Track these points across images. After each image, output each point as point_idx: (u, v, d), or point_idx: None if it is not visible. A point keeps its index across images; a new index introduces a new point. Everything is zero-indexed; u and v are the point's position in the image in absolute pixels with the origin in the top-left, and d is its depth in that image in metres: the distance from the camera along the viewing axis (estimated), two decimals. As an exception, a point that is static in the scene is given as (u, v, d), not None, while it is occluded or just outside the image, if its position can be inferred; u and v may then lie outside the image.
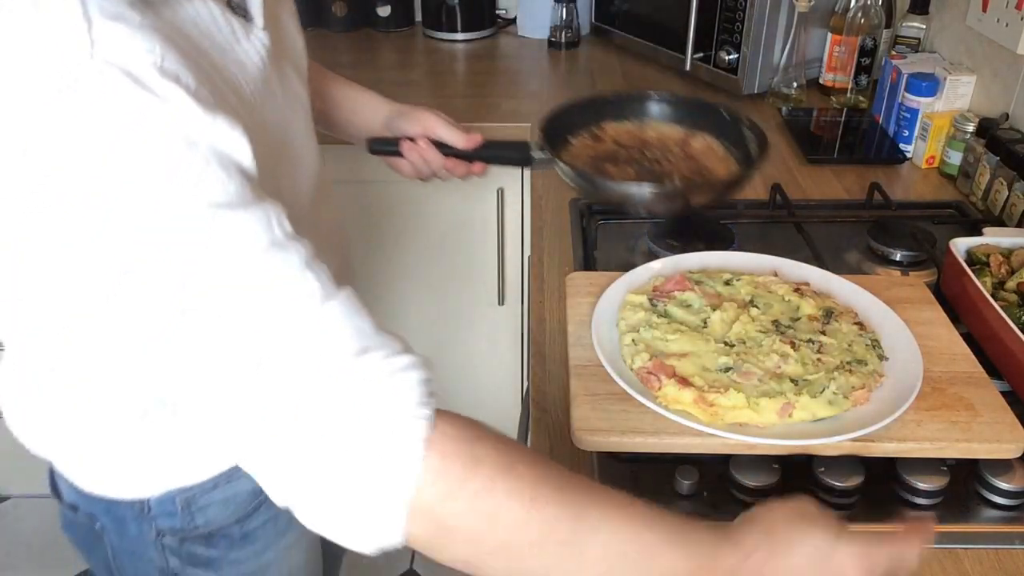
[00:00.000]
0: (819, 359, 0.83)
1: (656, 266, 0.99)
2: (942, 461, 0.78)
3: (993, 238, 1.03)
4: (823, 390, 0.79)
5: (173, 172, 0.51)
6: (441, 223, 1.68)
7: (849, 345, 0.85)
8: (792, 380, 0.80)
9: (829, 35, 1.65)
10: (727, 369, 0.81)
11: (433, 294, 1.77)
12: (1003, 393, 0.81)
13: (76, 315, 0.54)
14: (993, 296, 0.91)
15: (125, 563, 0.89)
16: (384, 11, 2.01)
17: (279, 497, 0.54)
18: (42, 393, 0.80)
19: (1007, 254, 1.00)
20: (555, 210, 1.28)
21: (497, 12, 2.06)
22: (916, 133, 1.42)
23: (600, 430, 0.76)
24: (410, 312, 1.80)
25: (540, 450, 0.85)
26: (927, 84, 1.40)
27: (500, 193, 1.60)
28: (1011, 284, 0.95)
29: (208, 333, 0.51)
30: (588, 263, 1.15)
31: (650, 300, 0.91)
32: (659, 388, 0.79)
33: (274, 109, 0.71)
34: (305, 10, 0.96)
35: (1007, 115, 1.34)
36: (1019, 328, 0.85)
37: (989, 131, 1.28)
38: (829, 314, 0.89)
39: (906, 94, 1.42)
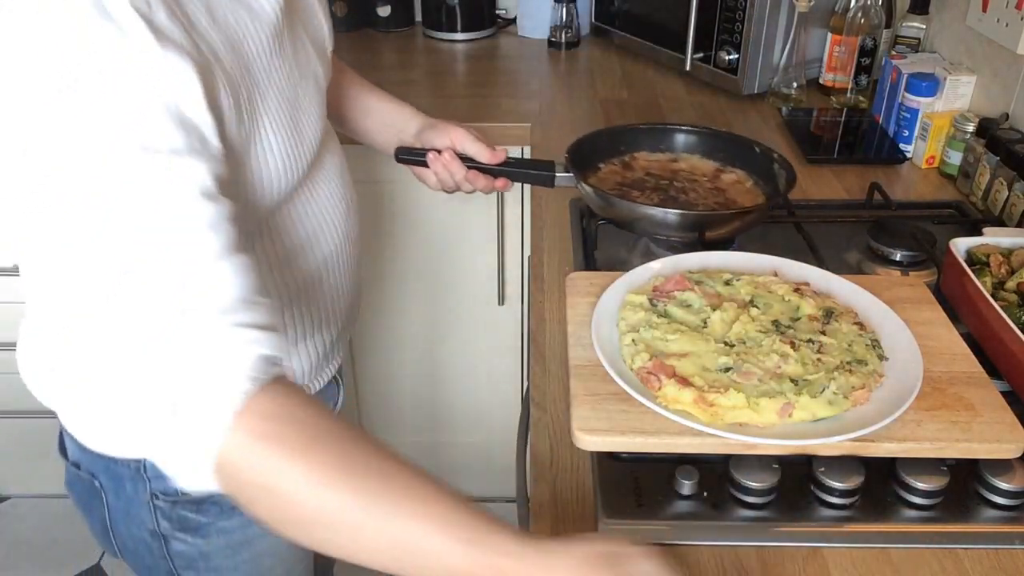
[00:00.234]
0: (819, 359, 0.83)
1: (656, 266, 0.99)
2: (942, 461, 0.78)
3: (993, 238, 1.03)
4: (823, 390, 0.79)
5: (111, 108, 0.55)
6: (441, 223, 1.68)
7: (849, 345, 0.85)
8: (792, 380, 0.80)
9: (829, 35, 1.65)
10: (727, 369, 0.81)
11: (433, 294, 1.77)
12: (1003, 393, 0.81)
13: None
14: (993, 296, 0.91)
15: (119, 523, 0.91)
16: (384, 11, 2.01)
17: (123, 417, 0.60)
18: (50, 345, 0.82)
19: (1007, 254, 1.00)
20: (555, 210, 1.28)
21: (497, 12, 2.06)
22: (916, 133, 1.42)
23: (600, 430, 0.76)
24: (410, 312, 1.80)
25: (540, 450, 0.85)
26: (927, 84, 1.40)
27: (500, 193, 1.60)
28: (1011, 284, 0.95)
29: (107, 258, 0.56)
30: (588, 263, 1.15)
31: (650, 300, 0.91)
32: (659, 388, 0.79)
33: (281, 69, 0.74)
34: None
35: (1007, 115, 1.34)
36: (1019, 328, 0.85)
37: (989, 131, 1.28)
38: (829, 314, 0.89)
39: (906, 94, 1.42)
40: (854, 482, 0.76)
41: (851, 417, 0.77)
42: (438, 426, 1.96)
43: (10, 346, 1.85)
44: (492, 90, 1.75)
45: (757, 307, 0.90)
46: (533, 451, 0.86)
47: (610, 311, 0.91)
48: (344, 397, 1.09)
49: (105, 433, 0.86)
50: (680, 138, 1.25)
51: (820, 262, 1.08)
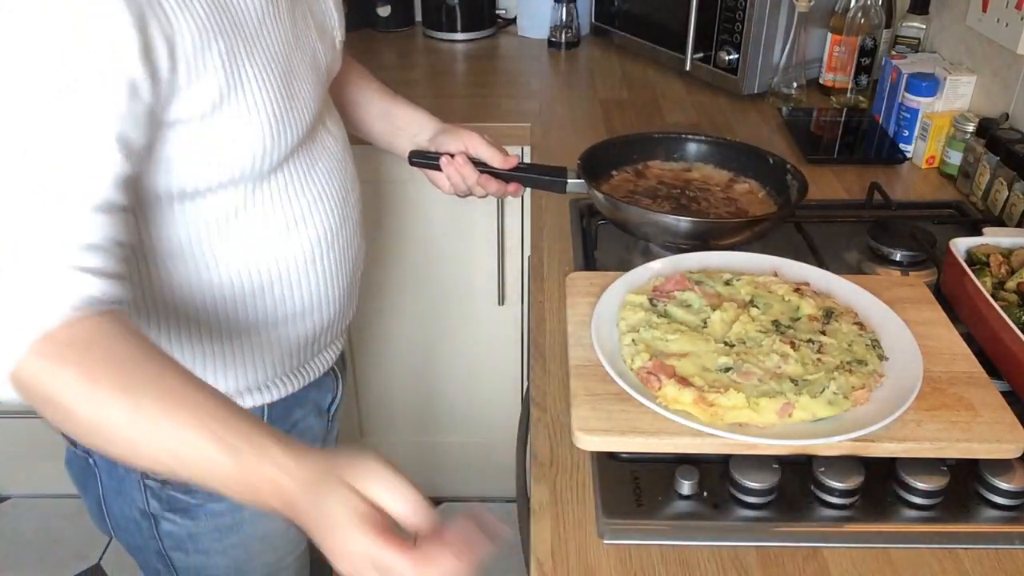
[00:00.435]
0: (819, 359, 0.83)
1: (656, 266, 0.99)
2: (942, 461, 0.78)
3: (993, 238, 1.03)
4: (823, 390, 0.79)
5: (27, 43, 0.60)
6: (442, 223, 1.68)
7: (849, 345, 0.85)
8: (792, 380, 0.80)
9: (829, 35, 1.65)
10: (727, 369, 0.81)
11: (433, 294, 1.77)
12: (1003, 393, 0.82)
13: None
14: (993, 296, 0.91)
15: (112, 501, 0.93)
16: (384, 11, 2.01)
17: None
18: None
19: (1007, 254, 1.00)
20: (555, 210, 1.28)
21: (497, 12, 2.06)
22: (916, 133, 1.42)
23: (600, 430, 0.76)
24: (410, 312, 1.80)
25: (540, 450, 0.85)
26: (927, 84, 1.40)
27: (501, 193, 1.60)
28: (1011, 284, 0.95)
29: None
30: (588, 263, 1.15)
31: (650, 300, 0.91)
32: (659, 388, 0.79)
33: (275, 32, 0.76)
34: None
35: (1007, 115, 1.34)
36: (1019, 328, 0.85)
37: (989, 131, 1.28)
38: (829, 314, 0.89)
39: (906, 94, 1.42)
40: (854, 482, 0.76)
41: (851, 417, 0.77)
42: (438, 426, 1.96)
43: (10, 346, 1.84)
44: (492, 90, 1.75)
45: (757, 307, 0.90)
46: (533, 451, 0.86)
47: (610, 311, 0.91)
48: (343, 392, 1.10)
49: None
50: (694, 147, 1.25)
51: (820, 262, 1.08)
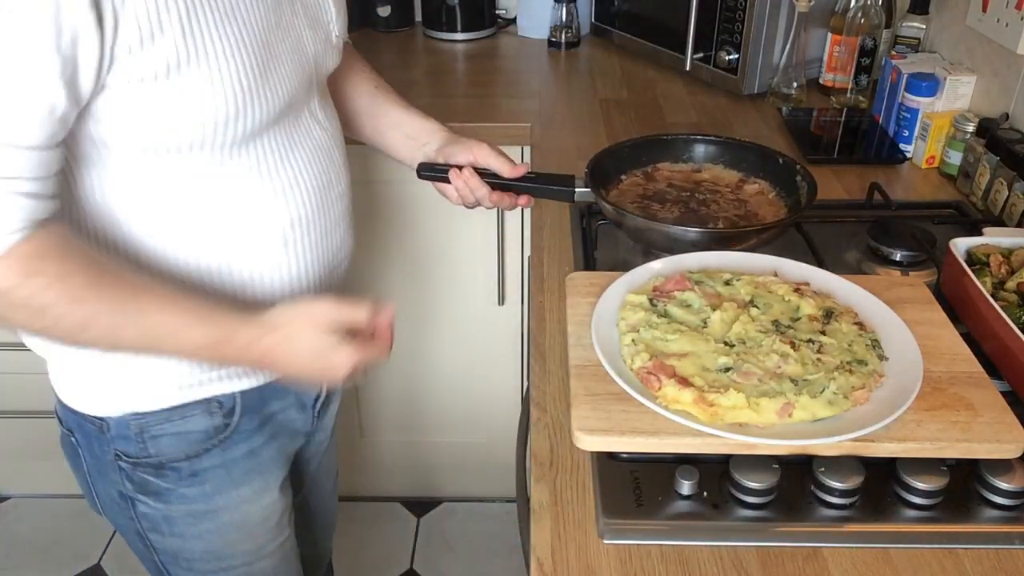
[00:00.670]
0: (819, 359, 0.83)
1: (656, 266, 0.99)
2: (942, 461, 0.78)
3: (993, 238, 1.03)
4: (823, 390, 0.79)
5: None
6: (441, 223, 1.68)
7: (849, 345, 0.85)
8: (792, 380, 0.80)
9: (829, 35, 1.65)
10: (727, 369, 0.81)
11: (434, 294, 1.77)
12: (1003, 393, 0.82)
13: None
14: (993, 296, 0.91)
15: (96, 480, 0.95)
16: (384, 11, 2.01)
17: None
18: None
19: (1007, 254, 1.00)
20: (555, 210, 1.28)
21: (497, 12, 2.06)
22: (916, 133, 1.42)
23: (600, 430, 0.76)
24: (410, 312, 1.80)
25: (540, 450, 0.85)
26: (927, 84, 1.40)
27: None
28: (1011, 284, 0.95)
29: None
30: (588, 263, 1.15)
31: (650, 300, 0.91)
32: (659, 388, 0.79)
33: (252, 8, 0.77)
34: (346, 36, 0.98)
35: (1007, 115, 1.34)
36: (1019, 328, 0.85)
37: (989, 131, 1.28)
38: (829, 314, 0.89)
39: (906, 94, 1.42)
40: (854, 482, 0.76)
41: (851, 417, 0.77)
42: (438, 426, 1.96)
43: (10, 347, 1.85)
44: (492, 90, 1.75)
45: (757, 307, 0.90)
46: (533, 451, 0.86)
47: (610, 311, 0.91)
48: (332, 394, 1.09)
49: (75, 386, 0.90)
50: (703, 149, 1.25)
51: (820, 262, 1.08)
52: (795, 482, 0.78)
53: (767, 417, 0.76)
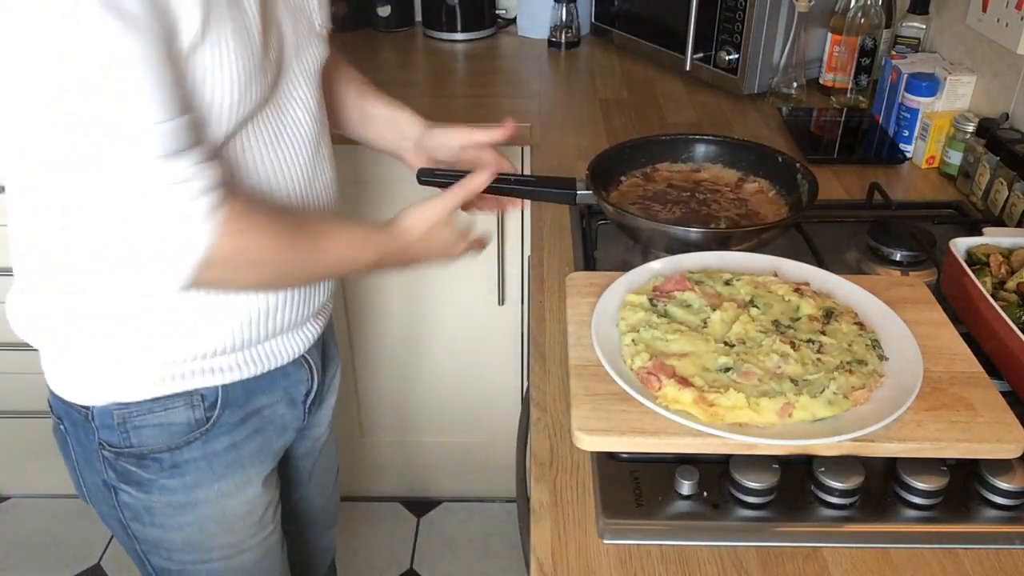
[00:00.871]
0: (819, 359, 0.83)
1: (656, 266, 0.99)
2: (942, 461, 0.78)
3: (993, 238, 1.03)
4: (823, 390, 0.79)
5: None
6: (441, 223, 1.68)
7: (849, 345, 0.85)
8: (792, 380, 0.80)
9: (829, 35, 1.65)
10: (727, 369, 0.81)
11: (433, 294, 1.77)
12: (1003, 393, 0.82)
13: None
14: (993, 296, 0.91)
15: (83, 469, 0.96)
16: (384, 11, 2.01)
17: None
18: (24, 276, 0.87)
19: (1007, 254, 1.00)
20: (555, 210, 1.28)
21: (497, 12, 2.06)
22: (916, 133, 1.42)
23: (600, 430, 0.76)
24: (410, 312, 1.80)
25: (540, 450, 0.85)
26: (927, 84, 1.40)
27: (500, 193, 1.60)
28: (1011, 284, 0.95)
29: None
30: (588, 263, 1.15)
31: (650, 300, 0.91)
32: (659, 388, 0.79)
33: None
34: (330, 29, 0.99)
35: (1007, 115, 1.34)
36: (1019, 328, 0.85)
37: (989, 131, 1.28)
38: (829, 314, 0.89)
39: (906, 94, 1.42)
40: (854, 482, 0.76)
41: (851, 417, 0.77)
42: (438, 426, 1.96)
43: (10, 347, 1.85)
44: (492, 90, 1.75)
45: (757, 307, 0.90)
46: (533, 451, 0.86)
47: (610, 311, 0.91)
48: (320, 385, 1.07)
49: (62, 374, 0.91)
50: (702, 148, 1.25)
51: (820, 262, 1.08)
52: (795, 482, 0.78)
53: (767, 417, 0.76)
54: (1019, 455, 0.76)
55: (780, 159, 1.19)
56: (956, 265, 0.97)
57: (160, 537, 0.98)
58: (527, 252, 1.68)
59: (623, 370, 0.82)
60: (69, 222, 0.74)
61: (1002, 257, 0.99)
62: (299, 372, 1.01)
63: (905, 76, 1.42)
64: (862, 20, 1.58)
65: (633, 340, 0.85)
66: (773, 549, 0.74)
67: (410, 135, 1.11)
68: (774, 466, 0.77)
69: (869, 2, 1.57)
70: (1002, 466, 0.78)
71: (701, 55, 1.70)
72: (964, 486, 0.79)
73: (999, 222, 1.21)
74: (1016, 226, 1.17)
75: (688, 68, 1.70)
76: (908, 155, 1.44)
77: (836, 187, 1.36)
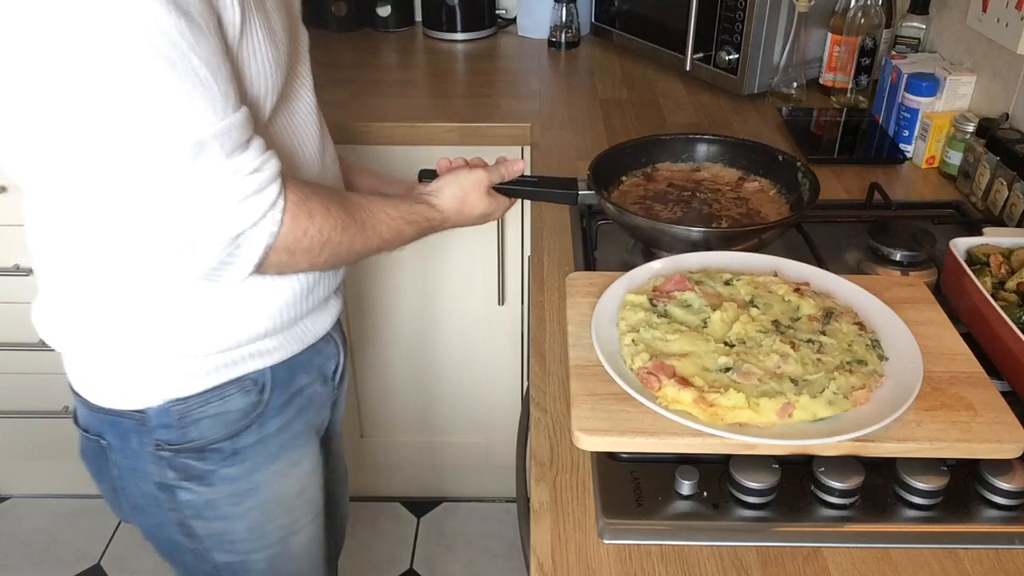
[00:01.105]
0: (819, 359, 0.83)
1: (656, 266, 0.99)
2: (942, 461, 0.78)
3: (993, 238, 1.03)
4: (823, 390, 0.79)
5: None
6: (441, 223, 1.68)
7: (849, 345, 0.85)
8: (792, 380, 0.80)
9: (829, 35, 1.65)
10: (727, 369, 0.81)
11: (433, 294, 1.77)
12: (1003, 393, 0.82)
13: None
14: (993, 296, 0.91)
15: (128, 480, 0.96)
16: (384, 11, 2.01)
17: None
18: (65, 287, 0.87)
19: (1007, 254, 1.00)
20: (555, 210, 1.28)
21: (497, 12, 2.06)
22: (916, 133, 1.43)
23: (600, 430, 0.76)
24: (410, 312, 1.80)
25: (540, 450, 0.85)
26: (927, 84, 1.40)
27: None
28: (1011, 284, 0.95)
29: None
30: (588, 263, 1.15)
31: (650, 300, 0.91)
32: (659, 388, 0.79)
33: None
34: (305, 10, 0.98)
35: (1007, 115, 1.34)
36: (1019, 328, 0.85)
37: (989, 131, 1.28)
38: (829, 314, 0.89)
39: (906, 94, 1.42)
40: (854, 482, 0.76)
41: (851, 417, 0.77)
42: (438, 426, 1.96)
43: (10, 347, 1.85)
44: (492, 90, 1.75)
45: (757, 307, 0.90)
46: (533, 451, 0.86)
47: (610, 311, 0.91)
48: (346, 359, 1.11)
49: (109, 384, 0.91)
50: (702, 148, 1.26)
51: (820, 262, 1.08)
52: (795, 482, 0.78)
53: (767, 417, 0.76)
54: (1019, 455, 0.76)
55: (781, 158, 1.19)
56: (956, 265, 0.97)
57: (224, 529, 0.99)
58: (527, 252, 1.68)
59: (623, 370, 0.82)
60: (121, 224, 0.74)
61: (1002, 257, 0.99)
62: (329, 348, 1.04)
63: (905, 76, 1.42)
64: (862, 20, 1.58)
65: (633, 340, 0.85)
66: (773, 549, 0.74)
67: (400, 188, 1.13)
68: (774, 466, 0.77)
69: (869, 2, 1.57)
70: (1002, 466, 0.78)
71: (701, 55, 1.70)
72: (964, 486, 0.79)
73: (999, 222, 1.21)
74: (1016, 226, 1.17)
75: (688, 68, 1.70)
76: (908, 155, 1.44)
77: (836, 187, 1.36)
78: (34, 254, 0.88)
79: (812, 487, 0.78)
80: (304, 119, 0.92)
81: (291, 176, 0.81)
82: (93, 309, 0.86)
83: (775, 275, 0.97)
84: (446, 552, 2.00)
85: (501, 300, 1.75)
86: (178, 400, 0.90)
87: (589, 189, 1.08)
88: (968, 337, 0.90)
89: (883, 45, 1.62)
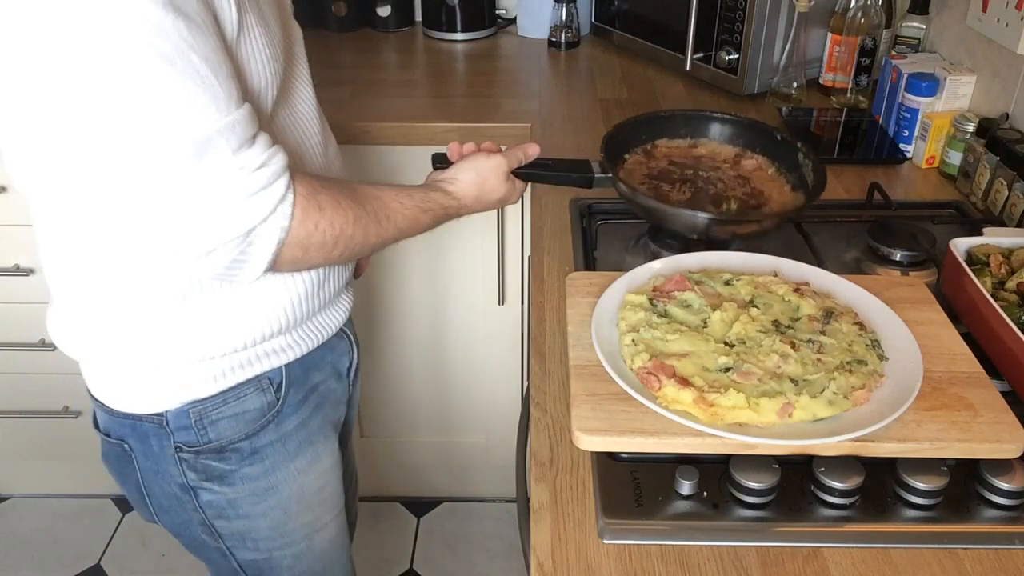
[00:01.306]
0: (819, 359, 0.83)
1: (656, 266, 0.99)
2: (942, 461, 0.78)
3: (993, 238, 1.03)
4: (823, 390, 0.79)
5: None
6: (441, 223, 1.68)
7: (849, 345, 0.85)
8: (792, 380, 0.80)
9: (829, 35, 1.65)
10: (727, 369, 0.81)
11: (433, 294, 1.77)
12: (1003, 393, 0.82)
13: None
14: (993, 296, 0.91)
15: (151, 482, 0.97)
16: (384, 11, 2.01)
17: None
18: (79, 296, 0.87)
19: (1007, 254, 1.00)
20: (555, 210, 1.28)
21: (497, 12, 2.06)
22: (916, 133, 1.42)
23: (600, 430, 0.76)
24: (410, 312, 1.80)
25: (540, 450, 0.85)
26: (927, 84, 1.40)
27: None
28: (1011, 284, 0.95)
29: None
30: (588, 263, 1.15)
31: (650, 300, 0.91)
32: (659, 388, 0.79)
33: None
34: (305, 10, 0.99)
35: (1007, 115, 1.34)
36: (1019, 328, 0.85)
37: (989, 131, 1.28)
38: (829, 314, 0.89)
39: (906, 94, 1.42)
40: (854, 482, 0.76)
41: (851, 417, 0.77)
42: (438, 426, 1.96)
43: (10, 347, 1.85)
44: (492, 90, 1.75)
45: (757, 307, 0.90)
46: (533, 451, 0.86)
47: (610, 311, 0.91)
48: (358, 356, 1.11)
49: (128, 389, 0.91)
50: (699, 124, 1.26)
51: (820, 262, 1.08)
52: (795, 482, 0.78)
53: (767, 417, 0.76)
54: (1019, 455, 0.76)
55: (779, 137, 1.19)
56: (956, 265, 0.97)
57: (247, 528, 1.00)
58: (527, 252, 1.68)
59: (623, 370, 0.82)
60: (131, 227, 0.74)
61: (1002, 257, 0.99)
62: (342, 344, 1.05)
63: (905, 76, 1.42)
64: (862, 20, 1.58)
65: (633, 340, 0.85)
66: (773, 549, 0.74)
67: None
68: (774, 466, 0.77)
69: (869, 2, 1.57)
70: (1002, 466, 0.78)
71: (701, 55, 1.70)
72: (964, 486, 0.79)
73: (999, 222, 1.21)
74: (1016, 226, 1.17)
75: (688, 68, 1.70)
76: (908, 155, 1.44)
77: (836, 187, 1.36)
78: (45, 263, 0.88)
79: (812, 487, 0.78)
80: (305, 115, 0.92)
81: (299, 170, 0.81)
82: (106, 315, 0.86)
83: (775, 275, 0.97)
84: (446, 552, 2.00)
85: (501, 300, 1.75)
86: (196, 402, 0.90)
87: (602, 171, 1.08)
88: (968, 337, 0.90)
89: (883, 45, 1.62)
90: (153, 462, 0.94)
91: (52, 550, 1.99)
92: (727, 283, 0.94)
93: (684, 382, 0.79)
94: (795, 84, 1.64)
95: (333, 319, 1.00)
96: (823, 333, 0.87)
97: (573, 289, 0.97)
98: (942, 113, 1.40)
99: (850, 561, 0.73)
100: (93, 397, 0.96)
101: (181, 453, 0.93)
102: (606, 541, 0.75)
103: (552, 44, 1.98)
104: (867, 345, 0.86)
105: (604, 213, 1.25)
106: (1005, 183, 1.21)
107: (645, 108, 1.66)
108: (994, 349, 0.89)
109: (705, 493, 0.78)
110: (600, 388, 0.81)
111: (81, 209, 0.77)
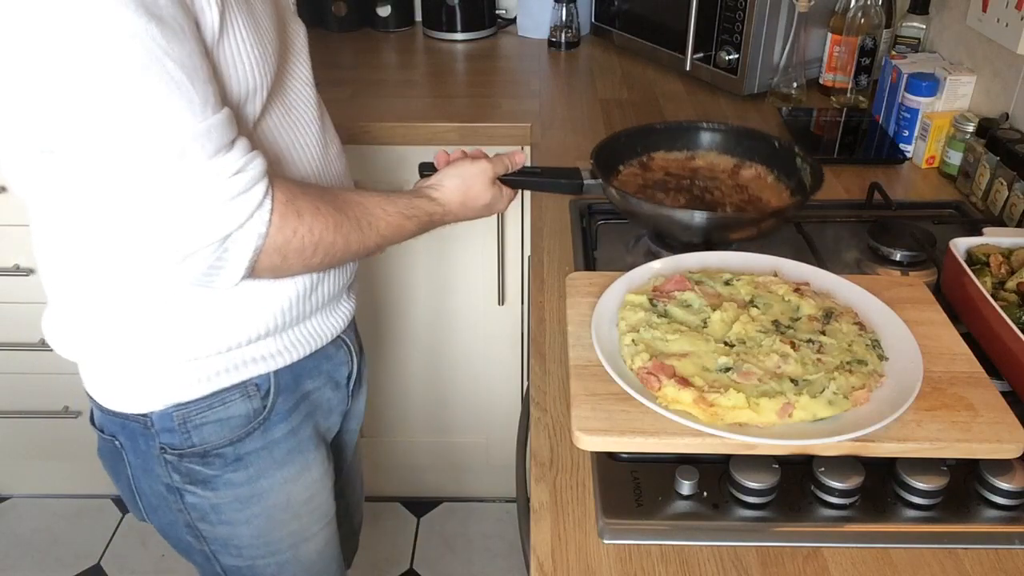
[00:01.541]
0: (819, 359, 0.83)
1: (656, 266, 0.99)
2: (942, 461, 0.78)
3: (993, 238, 1.03)
4: (823, 390, 0.79)
5: None
6: (441, 223, 1.68)
7: (849, 345, 0.85)
8: (792, 380, 0.80)
9: (829, 35, 1.65)
10: (727, 369, 0.81)
11: (433, 294, 1.77)
12: (1003, 393, 0.82)
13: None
14: (993, 296, 0.91)
15: (141, 480, 0.96)
16: (384, 11, 2.01)
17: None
18: (71, 297, 0.87)
19: (1007, 254, 1.00)
20: (555, 210, 1.28)
21: (497, 12, 2.06)
22: (916, 133, 1.42)
23: (600, 430, 0.76)
24: (410, 312, 1.80)
25: (540, 450, 0.85)
26: (927, 84, 1.40)
27: (500, 193, 1.60)
28: (1011, 284, 0.95)
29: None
30: (588, 263, 1.15)
31: (650, 300, 0.91)
32: (659, 388, 0.79)
33: None
34: (305, 10, 0.99)
35: (1007, 115, 1.34)
36: (1019, 328, 0.85)
37: (989, 131, 1.28)
38: (829, 314, 0.89)
39: (906, 94, 1.42)
40: (854, 482, 0.76)
41: (851, 417, 0.77)
42: (438, 426, 1.96)
43: (10, 347, 1.85)
44: (492, 90, 1.75)
45: (757, 307, 0.90)
46: (533, 451, 0.86)
47: (610, 311, 0.91)
48: (361, 366, 1.11)
49: (117, 389, 0.91)
50: (696, 135, 1.25)
51: (820, 262, 1.08)
52: (795, 482, 0.78)
53: (767, 417, 0.76)
54: (1019, 455, 0.76)
55: (777, 144, 1.19)
56: (956, 265, 0.97)
57: (229, 534, 0.99)
58: (527, 252, 1.68)
59: (623, 370, 0.82)
60: (111, 231, 0.74)
61: (1002, 257, 0.99)
62: (339, 354, 1.04)
63: (905, 76, 1.42)
64: (862, 20, 1.58)
65: (633, 340, 0.85)
66: (773, 549, 0.74)
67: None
68: (774, 466, 0.77)
69: (869, 2, 1.57)
70: (1002, 466, 0.78)
71: (701, 55, 1.70)
72: (964, 486, 0.79)
73: (999, 222, 1.21)
74: (1016, 226, 1.17)
75: (688, 68, 1.70)
76: (908, 155, 1.44)
77: (836, 187, 1.36)
78: (40, 265, 0.89)
79: (812, 487, 0.78)
80: (302, 115, 0.91)
81: (279, 176, 0.80)
82: (97, 316, 0.86)
83: (775, 275, 0.97)
84: (446, 552, 2.00)
85: (501, 300, 1.75)
86: (180, 405, 0.90)
87: (592, 178, 1.08)
88: (968, 337, 0.90)
89: (883, 45, 1.62)
90: (142, 460, 0.94)
91: (52, 550, 1.99)
92: (727, 283, 0.94)
93: (684, 382, 0.79)
94: (795, 84, 1.64)
95: (328, 326, 0.99)
96: (823, 333, 0.87)
97: (573, 289, 0.97)
98: (942, 113, 1.40)
99: (850, 561, 0.73)
100: (88, 394, 0.96)
101: (166, 454, 0.92)
102: (606, 541, 0.75)
103: (552, 44, 1.98)
104: (867, 345, 0.86)
105: (604, 213, 1.25)
106: (1005, 183, 1.21)
107: (645, 108, 1.66)
108: (994, 349, 0.89)
109: (705, 493, 0.78)
110: (600, 388, 0.81)
111: (66, 212, 0.77)
